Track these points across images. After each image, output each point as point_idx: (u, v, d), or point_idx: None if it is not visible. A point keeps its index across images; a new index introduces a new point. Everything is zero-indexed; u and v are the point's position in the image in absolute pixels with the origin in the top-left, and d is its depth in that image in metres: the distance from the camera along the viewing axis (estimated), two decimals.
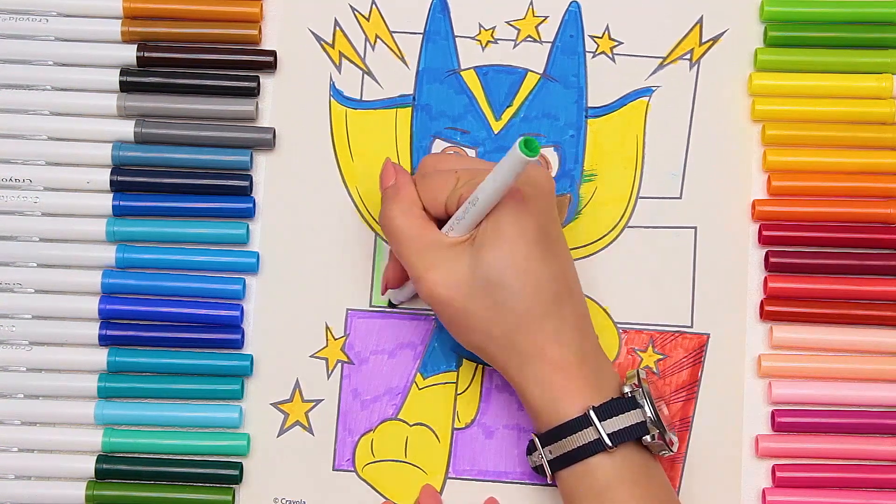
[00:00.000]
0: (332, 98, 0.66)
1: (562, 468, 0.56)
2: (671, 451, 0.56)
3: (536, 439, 0.57)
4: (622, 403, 0.55)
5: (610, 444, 0.54)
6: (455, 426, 0.63)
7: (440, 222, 0.58)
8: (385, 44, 0.66)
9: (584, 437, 0.55)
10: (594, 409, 0.55)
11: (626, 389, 0.56)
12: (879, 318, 0.64)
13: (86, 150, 0.65)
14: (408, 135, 0.66)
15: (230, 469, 0.62)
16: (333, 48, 0.67)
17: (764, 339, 0.64)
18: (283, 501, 0.63)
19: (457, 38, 0.66)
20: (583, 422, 0.55)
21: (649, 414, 0.55)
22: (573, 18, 0.67)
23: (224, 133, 0.65)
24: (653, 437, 0.55)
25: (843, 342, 0.64)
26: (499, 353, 0.57)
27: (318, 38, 0.67)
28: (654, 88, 0.66)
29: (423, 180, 0.58)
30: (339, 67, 0.66)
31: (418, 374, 0.64)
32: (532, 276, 0.55)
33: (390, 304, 0.64)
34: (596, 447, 0.54)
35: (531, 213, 0.56)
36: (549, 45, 0.66)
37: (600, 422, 0.54)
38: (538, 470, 0.58)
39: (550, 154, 0.65)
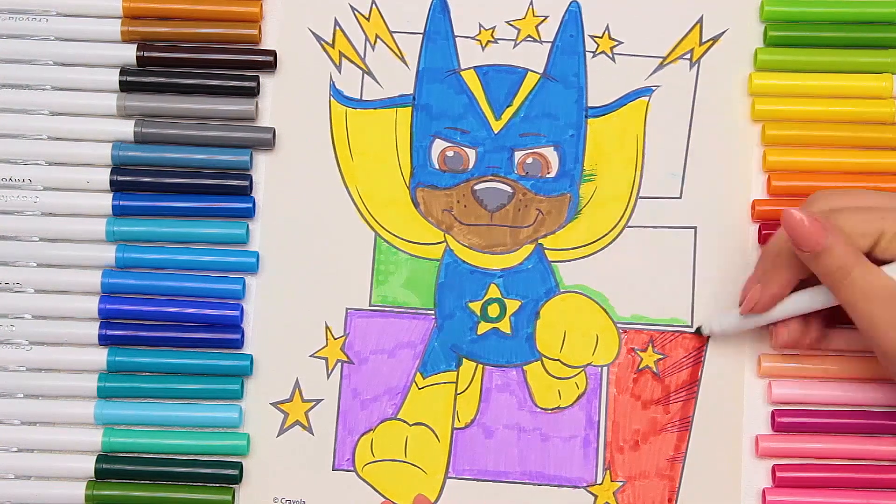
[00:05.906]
0: (332, 98, 0.66)
1: None
2: None
3: None
4: None
5: None
6: (455, 426, 0.63)
7: None
8: (385, 44, 0.66)
9: None
10: None
11: None
12: None
13: (86, 150, 0.65)
14: (408, 135, 0.66)
15: (230, 469, 0.62)
16: (333, 48, 0.67)
17: (764, 340, 0.64)
18: (283, 501, 0.63)
19: (457, 38, 0.66)
20: None
21: None
22: (573, 18, 0.67)
23: (224, 133, 0.65)
24: None
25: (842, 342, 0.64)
26: None
27: (318, 38, 0.67)
28: (653, 88, 0.66)
29: (839, 221, 0.56)
30: (339, 67, 0.66)
31: (418, 373, 0.64)
32: None
33: (698, 332, 0.63)
34: None
35: None
36: (549, 44, 0.66)
37: None
38: None
39: (550, 154, 0.65)
